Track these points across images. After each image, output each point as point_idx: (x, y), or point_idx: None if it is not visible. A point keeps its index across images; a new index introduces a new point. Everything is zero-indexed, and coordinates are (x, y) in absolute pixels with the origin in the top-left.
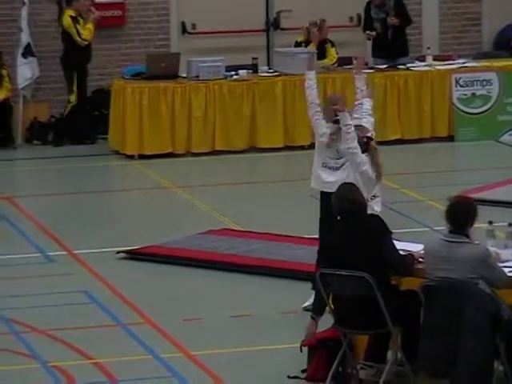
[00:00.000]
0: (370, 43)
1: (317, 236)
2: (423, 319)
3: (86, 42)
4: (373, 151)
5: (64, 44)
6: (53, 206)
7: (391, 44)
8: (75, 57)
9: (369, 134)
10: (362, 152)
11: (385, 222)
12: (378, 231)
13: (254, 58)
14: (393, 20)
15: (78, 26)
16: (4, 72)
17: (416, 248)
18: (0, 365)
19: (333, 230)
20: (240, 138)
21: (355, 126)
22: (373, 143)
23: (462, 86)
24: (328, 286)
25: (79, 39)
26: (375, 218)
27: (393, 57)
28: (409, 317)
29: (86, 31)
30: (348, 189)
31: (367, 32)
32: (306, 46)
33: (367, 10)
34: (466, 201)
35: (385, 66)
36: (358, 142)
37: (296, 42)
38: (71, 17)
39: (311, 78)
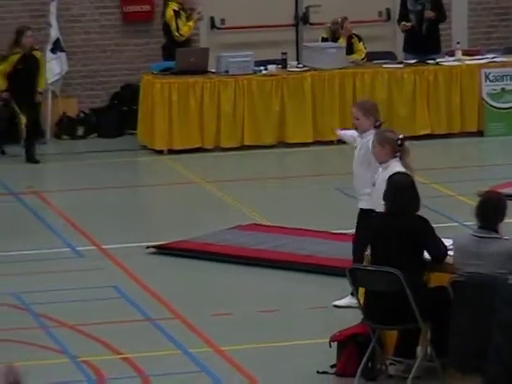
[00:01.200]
0: (399, 37)
1: (344, 231)
2: (453, 315)
3: (183, 38)
4: (405, 152)
5: (164, 35)
6: (82, 200)
7: (425, 39)
8: (172, 50)
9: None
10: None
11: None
12: (426, 228)
13: (283, 53)
14: (429, 13)
15: (179, 21)
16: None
17: (446, 243)
18: (29, 360)
19: (379, 221)
20: (269, 133)
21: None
22: (406, 144)
23: (491, 81)
24: (357, 280)
25: (177, 34)
26: (422, 217)
27: (424, 52)
28: (438, 312)
29: (186, 28)
30: (404, 182)
31: (403, 23)
32: (333, 42)
33: (403, 1)
34: (495, 196)
35: (414, 61)
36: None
37: (322, 38)
38: (174, 10)
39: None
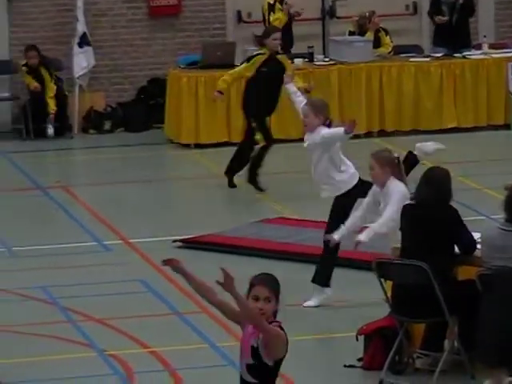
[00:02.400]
0: (426, 31)
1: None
2: (481, 308)
3: None
4: (401, 170)
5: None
6: (109, 195)
7: (455, 32)
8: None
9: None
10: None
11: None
12: (457, 220)
13: (309, 47)
14: (441, 19)
15: (272, 14)
16: (43, 71)
17: (474, 236)
18: (57, 353)
19: (411, 212)
20: (296, 127)
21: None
22: (401, 161)
23: None
24: (385, 274)
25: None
26: (453, 208)
27: (454, 45)
28: (466, 306)
29: (277, 21)
30: (438, 175)
31: (438, 17)
32: (360, 36)
33: None
34: None
35: (441, 55)
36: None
37: (349, 32)
38: (269, 3)
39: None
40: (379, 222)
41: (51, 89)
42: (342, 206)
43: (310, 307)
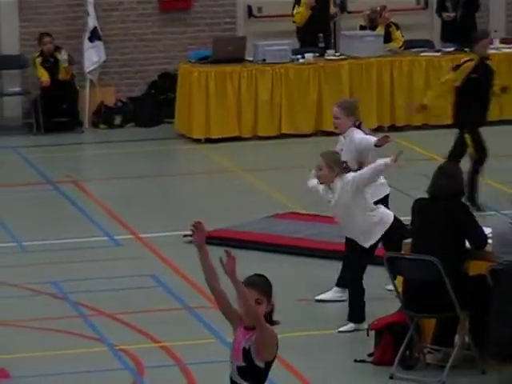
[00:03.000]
0: (437, 26)
1: None
2: (492, 303)
3: (297, 25)
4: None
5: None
6: (119, 189)
7: (461, 27)
8: (299, 35)
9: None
10: None
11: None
12: (467, 214)
13: (320, 41)
14: (449, 16)
15: (296, 7)
16: (59, 56)
17: (485, 231)
18: (68, 348)
19: (422, 207)
20: (306, 122)
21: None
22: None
23: None
24: (396, 269)
25: (292, 21)
26: (464, 203)
27: (462, 41)
28: (477, 301)
29: (298, 15)
30: (450, 169)
31: (446, 14)
32: (371, 31)
33: None
34: None
35: (452, 49)
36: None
37: (360, 26)
38: None
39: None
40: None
41: (66, 70)
42: None
43: (323, 301)
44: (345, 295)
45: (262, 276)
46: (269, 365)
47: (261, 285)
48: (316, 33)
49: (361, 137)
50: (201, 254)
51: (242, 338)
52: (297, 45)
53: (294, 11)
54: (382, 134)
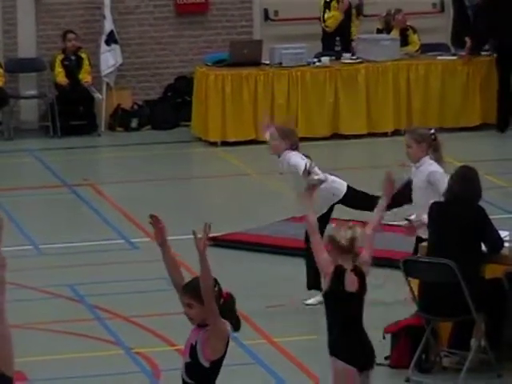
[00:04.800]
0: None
1: (399, 222)
2: (508, 306)
3: (329, 29)
4: (439, 146)
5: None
6: (136, 192)
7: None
8: (325, 40)
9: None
10: None
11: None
12: (484, 218)
13: (337, 45)
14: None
15: (327, 12)
16: (83, 55)
17: (502, 235)
18: (84, 351)
19: (438, 210)
20: (323, 125)
21: None
22: (439, 138)
23: None
24: (412, 272)
25: (323, 25)
26: (480, 207)
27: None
28: (493, 304)
29: (331, 19)
30: (467, 173)
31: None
32: (387, 34)
33: None
34: None
35: (466, 54)
36: None
37: (377, 30)
38: (325, 1)
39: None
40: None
41: (87, 71)
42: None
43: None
44: None
45: (195, 278)
46: (215, 365)
47: (189, 288)
48: (343, 36)
49: (292, 163)
50: (163, 251)
51: (194, 336)
52: (317, 49)
53: (326, 16)
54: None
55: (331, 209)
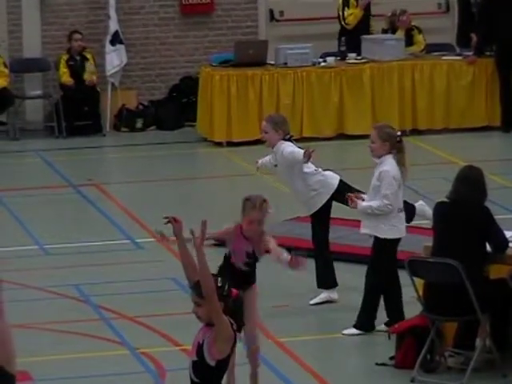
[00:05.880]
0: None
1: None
2: None
3: (349, 27)
4: (402, 149)
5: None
6: (141, 192)
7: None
8: (345, 38)
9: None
10: None
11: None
12: (490, 218)
13: (342, 45)
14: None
15: (346, 9)
16: (88, 55)
17: (507, 235)
18: (89, 351)
19: (443, 210)
20: (328, 125)
21: None
22: (403, 141)
23: None
24: (417, 272)
25: (343, 23)
26: (485, 207)
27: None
28: (498, 304)
29: (351, 16)
30: (471, 173)
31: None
32: (392, 34)
33: None
34: None
35: (472, 53)
36: None
37: (382, 29)
38: None
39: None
40: (370, 205)
41: (92, 72)
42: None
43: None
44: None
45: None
46: (220, 364)
47: (199, 287)
48: (358, 35)
49: (289, 151)
50: (178, 242)
51: (202, 335)
52: (323, 49)
53: (345, 13)
54: (307, 149)
55: (328, 208)
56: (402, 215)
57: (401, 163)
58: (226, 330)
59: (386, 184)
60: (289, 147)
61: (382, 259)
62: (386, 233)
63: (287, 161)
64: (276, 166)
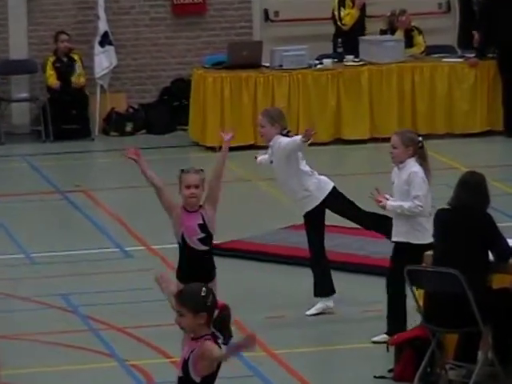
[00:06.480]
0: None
1: None
2: None
3: (346, 28)
4: (424, 154)
5: (333, 25)
6: (130, 199)
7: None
8: (339, 39)
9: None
10: None
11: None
12: (492, 226)
13: (339, 47)
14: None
15: (342, 10)
16: (76, 56)
17: (510, 243)
18: (78, 363)
19: (444, 217)
20: (325, 130)
21: None
22: (425, 146)
23: None
24: (416, 282)
25: (339, 23)
26: (487, 214)
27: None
28: (500, 315)
29: (348, 17)
30: (473, 180)
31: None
32: (391, 34)
33: None
34: None
35: (473, 55)
36: None
37: (381, 30)
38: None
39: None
40: (401, 205)
41: (81, 74)
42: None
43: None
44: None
45: (189, 286)
46: (206, 380)
47: (181, 296)
48: (355, 36)
49: (286, 141)
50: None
51: (188, 350)
52: (319, 50)
53: (342, 14)
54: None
55: (321, 213)
56: (431, 219)
57: (426, 169)
58: (208, 350)
59: (416, 185)
60: (286, 139)
61: (405, 265)
62: (420, 238)
63: (286, 152)
64: (272, 162)
